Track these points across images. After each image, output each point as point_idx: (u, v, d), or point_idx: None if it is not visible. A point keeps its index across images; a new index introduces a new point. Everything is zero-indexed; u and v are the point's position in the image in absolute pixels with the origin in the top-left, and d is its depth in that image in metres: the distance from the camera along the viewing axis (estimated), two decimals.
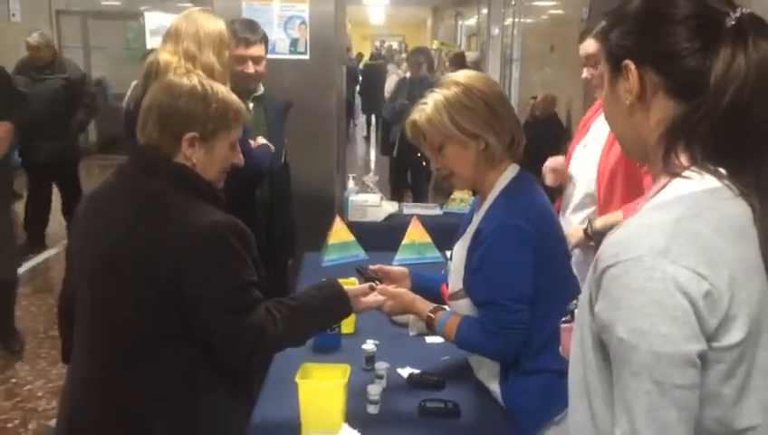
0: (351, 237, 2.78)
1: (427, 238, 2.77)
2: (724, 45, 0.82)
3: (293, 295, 1.60)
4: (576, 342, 0.90)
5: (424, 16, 21.08)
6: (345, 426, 1.39)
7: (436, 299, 1.76)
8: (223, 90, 1.51)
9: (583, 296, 0.89)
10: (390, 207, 3.54)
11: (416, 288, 1.81)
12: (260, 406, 1.60)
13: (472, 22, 15.18)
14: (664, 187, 0.87)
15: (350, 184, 3.65)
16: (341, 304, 1.60)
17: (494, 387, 1.62)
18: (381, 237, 3.01)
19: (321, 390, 1.43)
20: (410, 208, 3.69)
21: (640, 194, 2.07)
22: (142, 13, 9.43)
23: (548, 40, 7.85)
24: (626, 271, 0.79)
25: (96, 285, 1.47)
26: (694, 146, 0.86)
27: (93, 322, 1.49)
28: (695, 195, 0.83)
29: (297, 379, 1.45)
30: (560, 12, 7.95)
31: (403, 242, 2.75)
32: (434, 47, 13.11)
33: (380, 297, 1.68)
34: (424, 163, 6.16)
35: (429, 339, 1.96)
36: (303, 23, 3.28)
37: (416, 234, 2.76)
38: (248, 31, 2.66)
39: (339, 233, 2.76)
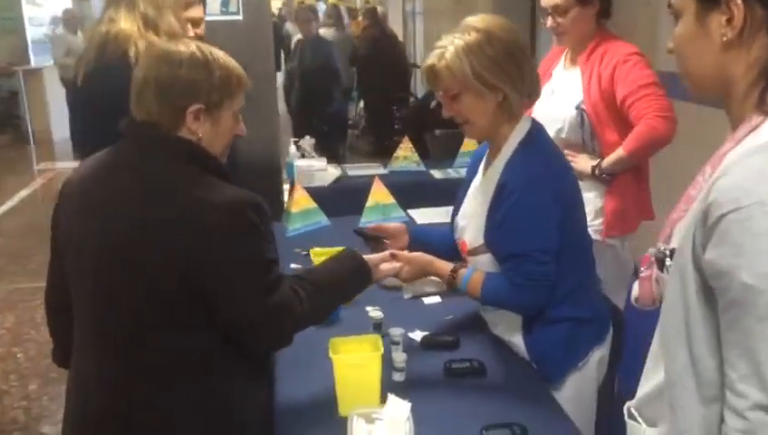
0: (313, 204, 2.71)
1: (391, 199, 2.74)
2: None
3: (312, 269, 1.54)
4: (674, 290, 0.90)
5: None
6: (392, 396, 1.35)
7: (438, 253, 1.73)
8: (222, 54, 1.39)
9: (683, 244, 0.89)
10: (336, 171, 3.47)
11: (415, 243, 1.78)
12: (279, 389, 1.53)
13: None
14: (757, 127, 0.87)
15: (292, 149, 3.53)
16: (363, 274, 1.56)
17: (517, 340, 1.63)
18: (335, 202, 2.94)
19: (357, 363, 1.38)
20: (354, 170, 3.63)
21: (630, 127, 2.15)
22: None
23: None
24: (749, 216, 0.78)
25: (103, 276, 1.34)
26: None
27: (102, 315, 1.36)
28: None
29: (331, 354, 1.39)
30: None
31: (367, 204, 2.71)
32: (329, 2, 12.85)
33: (397, 263, 1.65)
34: (326, 128, 6.10)
35: (427, 300, 1.95)
36: None
37: (379, 194, 2.72)
38: None
39: (300, 201, 2.67)
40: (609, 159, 2.22)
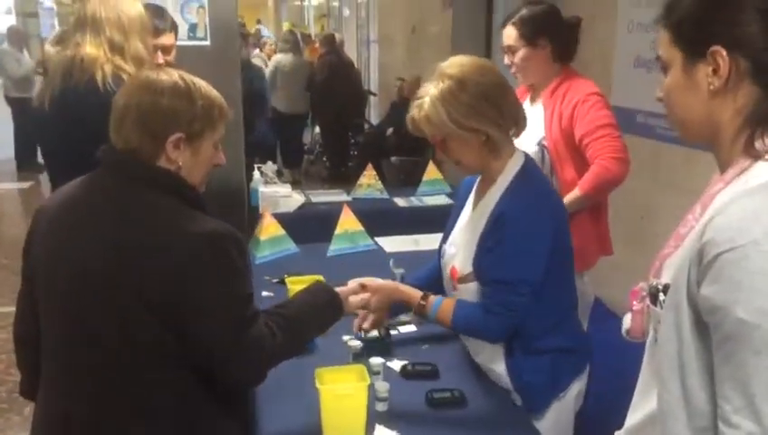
0: (282, 231, 2.70)
1: (359, 226, 2.76)
2: None
3: (285, 303, 1.52)
4: (669, 324, 0.95)
5: None
6: (380, 427, 1.35)
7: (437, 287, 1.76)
8: (204, 84, 1.39)
9: (678, 281, 0.93)
10: (300, 197, 3.46)
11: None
12: (261, 422, 1.51)
13: (319, 1, 15.10)
14: (746, 169, 0.93)
15: (256, 175, 3.52)
16: (334, 307, 1.55)
17: (499, 368, 1.66)
18: (301, 228, 2.94)
19: (344, 394, 1.38)
20: (318, 196, 3.64)
21: (586, 168, 2.23)
22: None
23: (407, 20, 8.02)
24: (745, 255, 0.83)
25: (76, 309, 1.31)
26: None
27: (72, 350, 1.33)
28: None
29: (318, 385, 1.39)
30: None
31: (336, 232, 2.71)
32: (284, 29, 12.91)
33: (367, 294, 1.66)
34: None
35: (403, 329, 1.96)
36: (202, 6, 3.08)
37: (348, 223, 2.73)
38: (156, 17, 2.45)
39: (270, 228, 2.66)
40: (566, 199, 2.26)
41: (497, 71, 1.65)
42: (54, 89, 2.01)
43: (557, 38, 2.28)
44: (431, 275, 1.87)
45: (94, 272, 1.28)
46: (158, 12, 2.48)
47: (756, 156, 0.92)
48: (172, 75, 1.35)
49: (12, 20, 9.76)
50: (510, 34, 2.30)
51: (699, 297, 0.89)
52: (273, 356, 1.37)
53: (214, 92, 1.39)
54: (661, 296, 0.99)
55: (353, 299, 1.63)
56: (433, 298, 1.65)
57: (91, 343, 1.30)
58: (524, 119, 1.66)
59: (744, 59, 0.92)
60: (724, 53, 0.92)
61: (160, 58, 2.44)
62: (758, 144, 0.92)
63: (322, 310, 1.53)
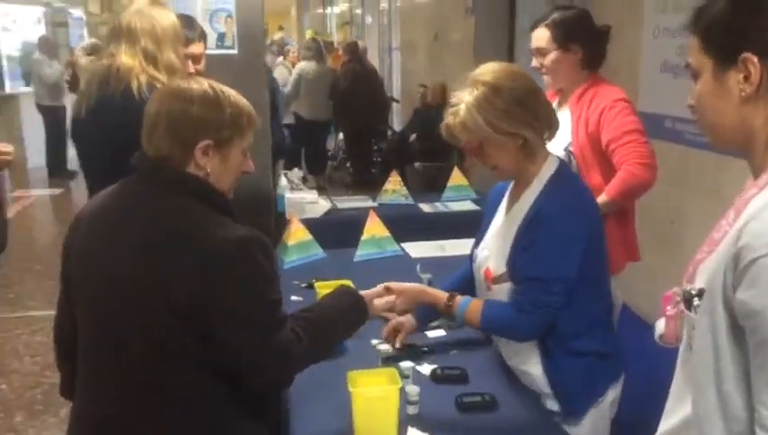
0: (309, 237, 2.73)
1: (386, 232, 2.78)
2: None
3: (310, 307, 1.54)
4: (705, 329, 0.95)
5: (287, 4, 20.79)
6: (413, 430, 1.36)
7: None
8: (233, 93, 1.43)
9: (713, 286, 0.94)
10: (327, 203, 3.50)
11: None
12: (294, 424, 1.54)
13: (341, 9, 15.19)
14: None
15: (283, 181, 3.56)
16: (359, 310, 1.57)
17: (535, 371, 1.66)
18: (328, 234, 2.97)
19: (377, 397, 1.40)
20: (343, 203, 3.66)
21: (614, 171, 2.22)
22: None
23: (429, 27, 8.04)
24: None
25: (107, 312, 1.35)
26: None
27: (104, 353, 1.37)
28: None
29: (350, 388, 1.41)
30: None
31: (362, 237, 2.73)
32: (307, 37, 13.02)
33: (392, 297, 1.67)
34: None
35: (431, 333, 1.97)
36: (230, 16, 3.13)
37: (375, 228, 2.75)
38: (186, 27, 2.50)
39: (297, 233, 2.69)
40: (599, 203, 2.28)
41: (529, 76, 1.66)
42: (91, 97, 2.07)
43: (588, 44, 2.28)
44: (463, 279, 1.87)
45: (122, 276, 1.31)
46: (188, 22, 2.54)
47: None
48: (202, 84, 1.39)
49: (42, 29, 9.94)
50: (542, 36, 2.29)
51: (735, 302, 0.89)
52: (300, 360, 1.39)
53: (243, 101, 1.43)
54: (696, 301, 0.99)
55: (378, 302, 1.64)
56: (460, 298, 1.66)
57: (116, 347, 1.34)
58: (557, 122, 1.67)
59: None
60: (756, 59, 0.92)
61: (191, 67, 2.49)
62: None
63: (348, 314, 1.54)
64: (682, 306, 1.03)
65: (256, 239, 1.34)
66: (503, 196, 1.78)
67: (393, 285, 1.70)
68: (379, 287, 1.69)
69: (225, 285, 1.28)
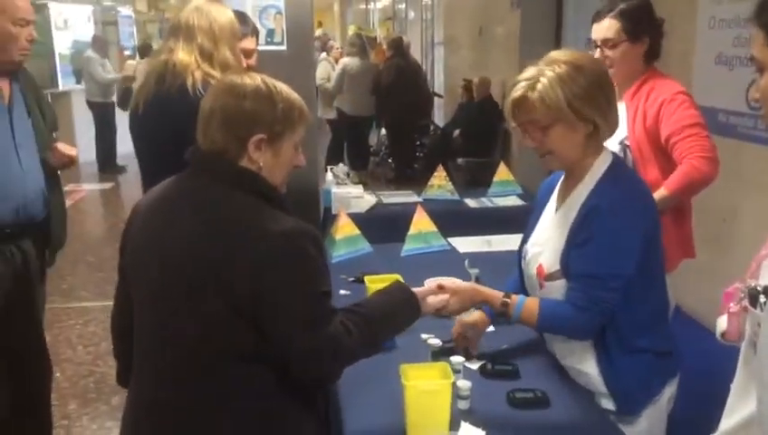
0: (357, 231, 2.74)
1: (433, 227, 2.77)
2: None
3: (362, 302, 1.54)
4: None
5: (330, 0, 20.89)
6: (465, 425, 1.37)
7: None
8: (285, 88, 1.44)
9: None
10: (372, 198, 3.51)
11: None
12: (345, 417, 1.55)
13: (384, 4, 15.19)
14: None
15: (329, 176, 3.58)
16: (412, 307, 1.56)
17: (590, 370, 1.63)
18: (374, 228, 2.98)
19: (430, 390, 1.40)
20: (389, 198, 3.68)
21: (672, 166, 2.18)
22: (46, 4, 8.89)
23: (474, 22, 7.98)
24: None
25: (162, 303, 1.39)
26: None
27: (159, 342, 1.40)
28: None
29: (403, 381, 1.41)
30: None
31: (409, 232, 2.74)
32: (350, 32, 13.07)
33: (445, 296, 1.64)
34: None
35: None
36: (279, 12, 3.17)
37: (421, 223, 2.75)
38: (239, 22, 2.55)
39: (345, 228, 2.71)
40: (657, 199, 2.23)
41: (606, 68, 1.63)
42: (149, 93, 2.13)
43: (653, 35, 2.25)
44: (519, 280, 1.84)
45: (177, 267, 1.34)
46: (240, 17, 2.58)
47: None
48: (255, 79, 1.41)
49: (91, 28, 10.21)
50: (610, 27, 2.24)
51: None
52: (349, 355, 1.39)
53: (294, 95, 1.44)
54: (762, 298, 0.97)
55: (432, 300, 1.63)
56: (516, 297, 1.63)
57: (171, 336, 1.37)
58: (618, 121, 1.64)
59: None
60: None
61: (243, 62, 2.54)
62: None
63: (400, 310, 1.53)
64: (746, 303, 1.01)
65: (308, 232, 1.36)
66: (551, 191, 1.76)
67: (446, 283, 1.67)
68: (432, 285, 1.67)
69: (277, 277, 1.31)
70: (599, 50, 2.27)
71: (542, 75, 1.53)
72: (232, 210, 1.36)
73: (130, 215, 1.52)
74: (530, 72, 1.56)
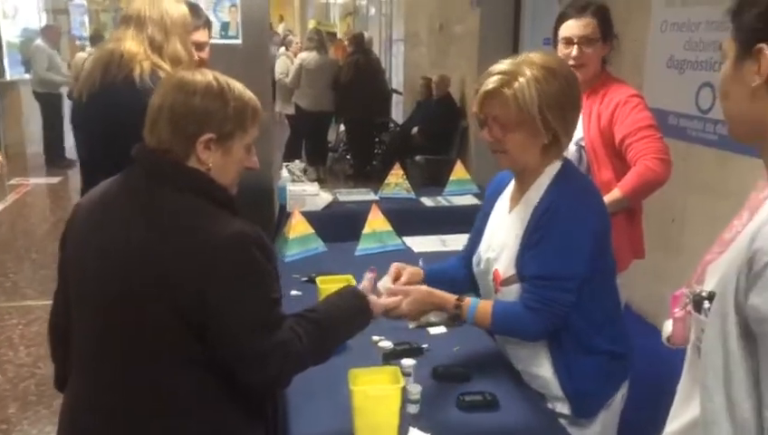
0: (311, 230, 2.70)
1: (388, 226, 2.75)
2: None
3: (313, 307, 1.49)
4: (715, 333, 0.93)
5: None
6: (414, 430, 1.35)
7: (455, 289, 1.71)
8: (239, 86, 1.39)
9: (725, 289, 0.91)
10: (328, 196, 3.47)
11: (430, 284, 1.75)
12: (292, 422, 1.52)
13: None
14: None
15: (285, 173, 3.53)
16: (363, 312, 1.52)
17: (546, 374, 1.63)
18: (329, 227, 2.94)
19: (378, 395, 1.38)
20: (345, 196, 3.64)
21: (625, 168, 2.20)
22: None
23: (433, 20, 7.99)
24: None
25: (103, 307, 1.33)
26: None
27: (99, 346, 1.35)
28: None
29: (351, 386, 1.39)
30: None
31: (364, 232, 2.71)
32: (310, 27, 12.96)
33: (396, 297, 1.59)
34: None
35: (432, 330, 1.95)
36: (234, 5, 3.11)
37: (376, 222, 2.72)
38: (191, 14, 2.48)
39: (298, 226, 2.66)
40: (606, 200, 2.25)
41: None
42: (94, 82, 2.06)
43: (612, 39, 2.28)
44: (443, 271, 1.84)
45: (118, 272, 1.29)
46: (193, 9, 2.51)
47: None
48: (207, 76, 1.36)
49: (43, 17, 9.90)
50: (588, 24, 2.24)
51: (747, 307, 0.87)
52: (299, 361, 1.36)
53: (248, 94, 1.39)
54: (705, 304, 0.97)
55: (383, 300, 1.57)
56: (469, 299, 1.62)
57: (112, 343, 1.32)
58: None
59: None
60: (767, 51, 0.90)
61: (194, 55, 2.47)
62: None
63: (352, 315, 1.50)
64: (690, 308, 1.01)
65: (253, 235, 1.32)
66: (500, 191, 1.75)
67: (398, 287, 1.63)
68: (390, 274, 1.66)
69: (224, 283, 1.26)
70: (575, 47, 2.24)
71: (520, 74, 1.51)
72: (177, 212, 1.31)
73: (71, 214, 1.46)
74: (505, 66, 1.54)
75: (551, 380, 1.63)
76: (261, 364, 1.30)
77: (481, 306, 1.60)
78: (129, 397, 1.32)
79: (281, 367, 1.32)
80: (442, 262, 1.96)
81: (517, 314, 1.56)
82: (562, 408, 1.63)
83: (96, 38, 8.94)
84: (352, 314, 1.49)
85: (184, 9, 2.13)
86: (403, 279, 1.69)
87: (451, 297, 1.63)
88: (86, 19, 11.54)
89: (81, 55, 7.67)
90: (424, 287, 1.67)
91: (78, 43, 10.82)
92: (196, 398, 1.32)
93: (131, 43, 2.02)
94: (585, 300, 1.55)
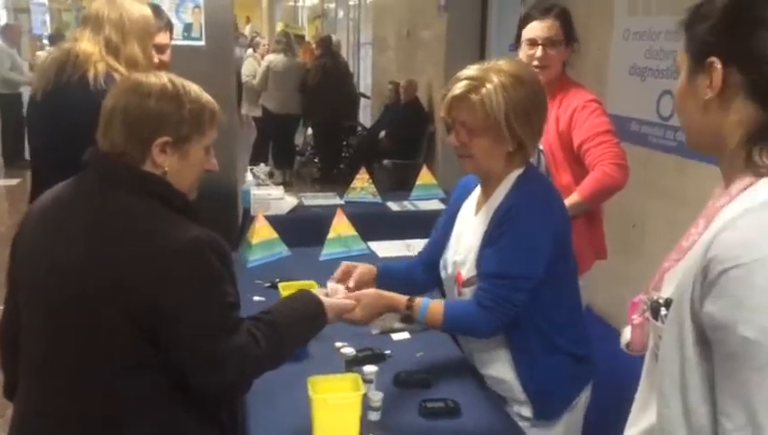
0: (275, 235, 2.67)
1: (353, 231, 2.74)
2: None
3: (270, 311, 1.46)
4: (671, 340, 0.93)
5: None
6: None
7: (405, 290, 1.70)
8: (195, 88, 1.37)
9: (682, 296, 0.92)
10: (293, 200, 3.44)
11: (382, 283, 1.74)
12: (251, 430, 1.49)
13: (313, 2, 15.07)
14: (750, 185, 0.92)
15: (249, 176, 3.49)
16: (320, 316, 1.50)
17: (508, 376, 1.64)
18: (293, 231, 2.91)
19: (338, 404, 1.36)
20: (310, 199, 3.62)
21: (584, 171, 2.22)
22: None
23: (401, 24, 8.01)
24: (751, 272, 0.82)
25: (55, 312, 1.29)
26: None
27: (49, 353, 1.31)
28: None
29: (311, 394, 1.37)
30: None
31: (328, 236, 2.69)
32: (278, 29, 12.88)
33: (350, 302, 1.56)
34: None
35: (395, 336, 1.94)
36: (197, 6, 3.07)
37: (341, 227, 2.71)
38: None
39: (262, 231, 2.63)
40: (566, 203, 2.28)
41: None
42: (48, 82, 2.02)
43: (574, 41, 2.31)
44: (395, 270, 1.85)
45: (69, 277, 1.26)
46: (154, 10, 2.47)
47: (758, 173, 0.91)
48: (161, 78, 1.34)
49: (3, 15, 9.66)
50: (552, 26, 2.26)
51: (703, 314, 0.87)
52: (257, 365, 1.34)
53: (205, 97, 1.37)
54: (662, 311, 0.98)
55: (336, 303, 1.54)
56: (420, 300, 1.60)
57: (64, 349, 1.29)
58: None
59: (740, 72, 0.91)
60: (719, 65, 0.91)
61: (155, 59, 2.43)
62: (758, 161, 0.91)
63: (308, 320, 1.47)
64: (648, 315, 1.02)
65: (210, 240, 1.29)
66: (467, 194, 1.76)
67: (348, 295, 1.60)
68: (339, 276, 1.67)
69: (175, 284, 1.24)
70: (539, 48, 2.25)
71: (487, 80, 1.52)
72: (132, 216, 1.28)
73: (23, 218, 1.42)
74: (473, 72, 1.55)
75: (513, 382, 1.63)
76: (219, 369, 1.28)
77: (432, 306, 1.59)
78: (81, 401, 1.29)
79: (239, 371, 1.30)
80: (398, 262, 1.96)
81: (469, 313, 1.57)
82: (526, 411, 1.64)
83: (56, 37, 8.78)
84: (307, 317, 1.48)
85: (146, 11, 2.10)
86: (354, 276, 1.68)
87: (402, 298, 1.62)
88: (48, 18, 11.31)
89: (41, 54, 7.49)
90: (372, 290, 1.63)
91: (39, 42, 10.60)
92: (149, 401, 1.29)
93: (87, 44, 1.99)
94: (547, 301, 1.56)
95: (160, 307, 1.23)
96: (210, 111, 1.37)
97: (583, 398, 1.68)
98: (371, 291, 1.63)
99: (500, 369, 1.65)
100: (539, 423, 1.63)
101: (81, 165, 1.36)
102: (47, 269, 1.30)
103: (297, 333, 1.46)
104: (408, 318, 1.65)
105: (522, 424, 1.62)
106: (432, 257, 1.81)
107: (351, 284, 1.67)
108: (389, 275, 1.79)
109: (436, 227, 1.86)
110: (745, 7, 0.91)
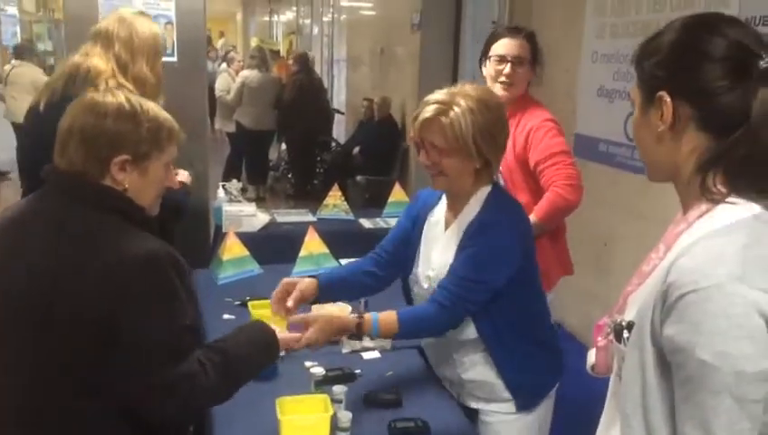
0: (246, 252, 2.66)
1: (324, 248, 2.73)
2: (762, 86, 0.91)
3: (222, 339, 1.43)
4: (633, 362, 0.95)
5: (233, 9, 20.53)
6: None
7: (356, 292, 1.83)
8: (153, 106, 1.38)
9: (642, 320, 0.94)
10: (265, 216, 3.43)
11: (328, 293, 1.79)
12: None
13: (288, 18, 15.10)
14: (707, 212, 0.94)
15: (221, 192, 3.47)
16: (273, 348, 1.48)
17: (490, 376, 1.71)
18: (265, 249, 2.90)
19: (306, 425, 1.36)
20: (283, 216, 3.60)
21: (540, 193, 2.25)
22: None
23: (375, 42, 8.06)
24: (707, 297, 0.85)
25: (8, 332, 1.28)
26: (730, 176, 0.94)
27: (3, 377, 1.30)
28: (747, 221, 0.91)
29: (279, 416, 1.36)
30: (387, 14, 8.20)
31: (300, 254, 2.68)
32: (253, 45, 12.87)
33: (293, 335, 1.54)
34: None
35: (366, 355, 1.94)
36: (170, 22, 3.06)
37: (312, 245, 2.70)
38: None
39: (233, 248, 2.61)
40: None
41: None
42: (54, 93, 2.04)
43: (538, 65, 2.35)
44: (352, 274, 1.88)
45: (25, 299, 1.26)
46: None
47: (713, 199, 0.94)
48: (118, 97, 1.34)
49: None
50: (523, 46, 2.30)
51: (663, 337, 0.90)
52: (205, 394, 1.31)
53: (163, 115, 1.38)
54: (625, 334, 1.00)
55: (281, 340, 1.51)
56: (369, 315, 1.60)
57: (16, 368, 1.28)
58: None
59: (689, 106, 0.94)
60: (668, 99, 0.94)
61: (162, 78, 2.44)
62: (712, 188, 0.94)
63: (260, 350, 1.45)
64: (612, 338, 1.04)
65: (168, 255, 1.28)
66: (430, 208, 1.81)
67: (296, 318, 1.61)
68: (279, 296, 1.69)
69: (132, 307, 1.22)
70: (508, 65, 2.28)
71: (455, 104, 1.59)
72: (92, 232, 1.27)
73: None
74: (442, 95, 1.61)
75: (495, 382, 1.70)
76: (167, 396, 1.25)
77: (383, 317, 1.60)
78: (30, 431, 1.27)
79: (186, 400, 1.28)
80: (340, 268, 2.01)
81: (426, 313, 1.61)
82: (510, 407, 1.72)
83: (22, 48, 8.49)
84: (261, 348, 1.46)
85: (155, 31, 2.13)
86: (294, 295, 1.69)
87: (352, 319, 1.62)
88: (18, 29, 11.16)
89: (5, 68, 7.38)
90: (324, 316, 1.62)
91: (10, 52, 10.44)
92: (99, 431, 1.28)
93: (99, 61, 2.03)
94: (520, 297, 1.65)
95: (113, 328, 1.21)
96: (168, 128, 1.38)
97: (553, 395, 1.79)
98: (322, 317, 1.61)
99: (481, 371, 1.71)
100: (520, 416, 1.72)
101: (40, 182, 1.35)
102: (3, 290, 1.29)
103: (251, 366, 1.43)
104: (359, 335, 1.63)
105: (504, 418, 1.72)
106: (392, 257, 1.85)
107: (290, 303, 1.68)
108: (333, 286, 1.80)
109: (396, 227, 1.91)
110: (691, 42, 0.94)
